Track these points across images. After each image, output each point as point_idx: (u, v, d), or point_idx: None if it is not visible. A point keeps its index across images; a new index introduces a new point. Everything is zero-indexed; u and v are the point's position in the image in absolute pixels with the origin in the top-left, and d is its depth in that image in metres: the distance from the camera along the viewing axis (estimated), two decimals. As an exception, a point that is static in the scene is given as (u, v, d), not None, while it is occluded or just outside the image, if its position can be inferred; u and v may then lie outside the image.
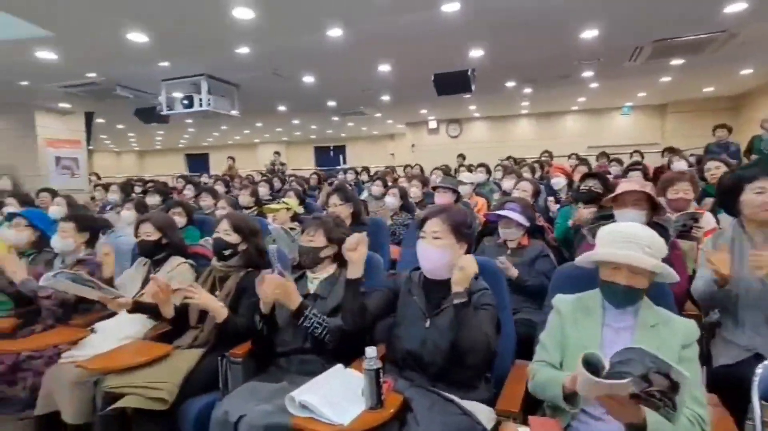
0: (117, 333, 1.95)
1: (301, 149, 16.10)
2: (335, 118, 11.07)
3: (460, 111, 10.71)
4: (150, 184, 6.60)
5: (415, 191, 4.27)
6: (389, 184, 4.71)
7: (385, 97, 8.32)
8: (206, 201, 4.10)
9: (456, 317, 1.36)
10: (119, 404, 1.47)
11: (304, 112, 9.99)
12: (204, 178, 9.17)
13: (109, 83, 6.17)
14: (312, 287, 1.72)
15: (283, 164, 10.67)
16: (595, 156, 7.20)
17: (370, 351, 1.20)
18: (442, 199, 3.28)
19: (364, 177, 7.38)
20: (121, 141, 15.30)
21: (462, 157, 8.92)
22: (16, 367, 1.88)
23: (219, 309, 1.71)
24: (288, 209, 3.20)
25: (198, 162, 17.33)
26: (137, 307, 1.94)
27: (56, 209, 3.75)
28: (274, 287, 1.53)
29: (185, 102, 5.99)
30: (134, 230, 2.30)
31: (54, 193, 4.72)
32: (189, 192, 5.23)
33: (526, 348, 1.71)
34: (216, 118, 6.64)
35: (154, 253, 2.22)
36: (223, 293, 1.83)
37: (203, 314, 1.85)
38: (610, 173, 5.74)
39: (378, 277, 1.86)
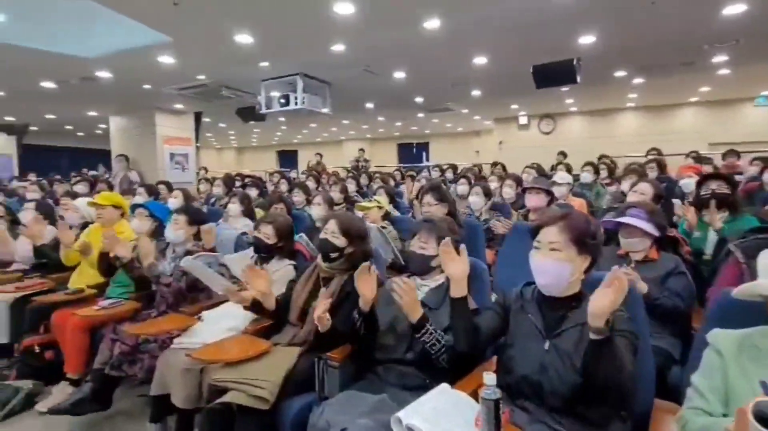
0: (221, 324, 2.02)
1: (385, 146, 16.23)
2: (420, 115, 10.94)
3: (555, 105, 9.96)
4: (248, 179, 7.07)
5: (508, 191, 3.98)
6: (473, 181, 4.45)
7: (476, 92, 7.99)
8: (298, 197, 4.19)
9: (591, 353, 1.12)
10: (225, 399, 1.49)
11: (390, 108, 9.99)
12: (293, 173, 9.64)
13: (216, 85, 6.68)
14: (420, 295, 1.60)
15: (366, 161, 10.83)
16: (720, 154, 6.22)
17: (489, 378, 1.05)
18: (533, 201, 3.03)
19: (449, 174, 7.12)
20: (222, 138, 16.74)
21: (563, 154, 8.24)
22: (136, 348, 2.03)
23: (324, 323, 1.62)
24: (380, 207, 3.16)
25: (288, 158, 18.39)
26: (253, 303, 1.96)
27: (174, 201, 4.10)
28: (408, 291, 1.40)
29: (282, 101, 6.26)
30: (254, 226, 2.39)
31: (169, 186, 5.22)
32: (282, 187, 5.47)
33: (659, 382, 1.44)
34: (308, 115, 6.87)
35: (265, 252, 2.26)
36: (328, 293, 1.80)
37: (303, 312, 1.84)
38: (740, 173, 5.01)
39: (484, 288, 1.70)
